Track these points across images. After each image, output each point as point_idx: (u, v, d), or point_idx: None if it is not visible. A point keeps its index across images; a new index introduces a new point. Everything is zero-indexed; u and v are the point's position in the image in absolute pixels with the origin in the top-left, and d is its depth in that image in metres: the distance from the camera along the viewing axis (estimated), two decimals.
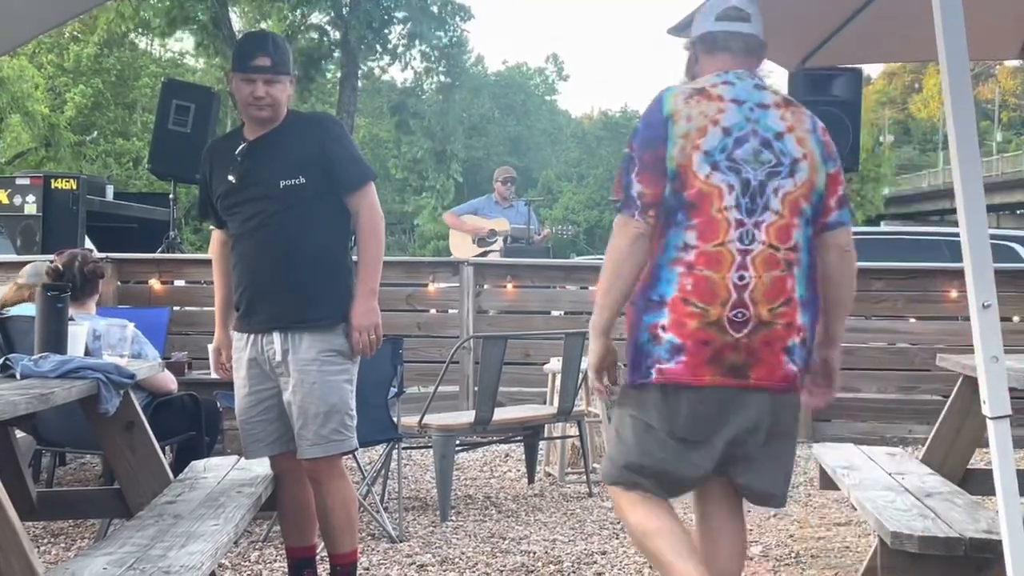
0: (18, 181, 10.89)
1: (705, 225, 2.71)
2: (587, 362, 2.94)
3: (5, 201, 10.64)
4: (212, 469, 3.95)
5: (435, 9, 22.88)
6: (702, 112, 2.75)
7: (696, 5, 3.15)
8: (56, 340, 3.47)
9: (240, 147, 3.54)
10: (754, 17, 2.89)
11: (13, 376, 3.22)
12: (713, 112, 2.76)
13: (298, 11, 22.53)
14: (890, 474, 3.87)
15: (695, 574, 2.72)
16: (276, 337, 3.49)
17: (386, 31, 21.59)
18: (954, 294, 7.50)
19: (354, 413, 3.58)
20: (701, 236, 2.71)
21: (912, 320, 7.85)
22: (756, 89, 2.83)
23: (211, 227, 3.90)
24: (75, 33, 33.92)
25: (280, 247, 3.48)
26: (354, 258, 3.67)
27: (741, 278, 2.69)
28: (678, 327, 2.70)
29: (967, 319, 2.53)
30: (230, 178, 3.53)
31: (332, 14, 21.51)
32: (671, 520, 2.83)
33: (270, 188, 3.48)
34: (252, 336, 3.57)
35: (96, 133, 35.29)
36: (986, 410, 2.44)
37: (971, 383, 4.00)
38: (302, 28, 21.76)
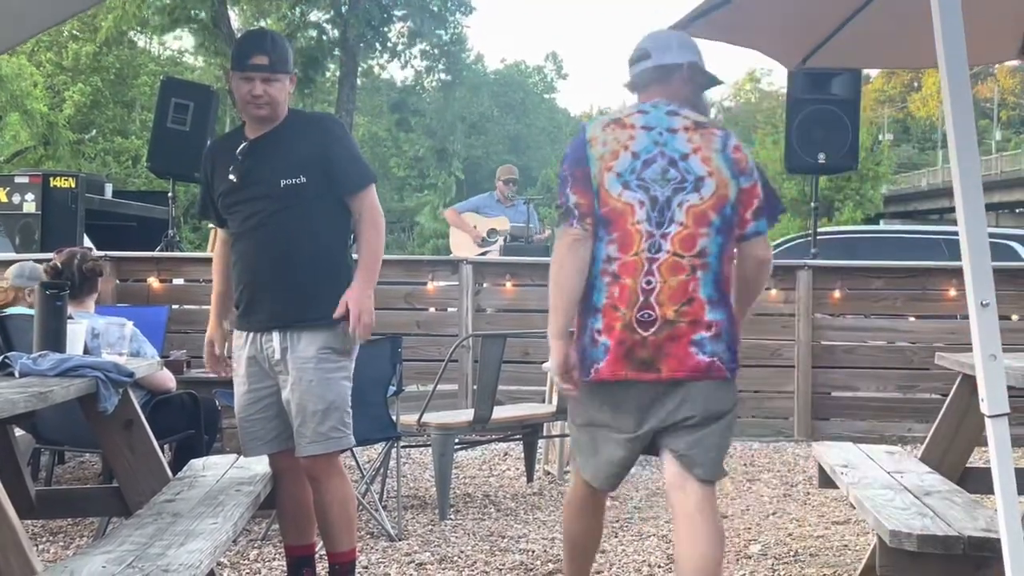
0: (17, 179, 10.88)
1: (622, 238, 3.07)
2: (549, 365, 3.24)
3: (4, 199, 10.63)
4: (211, 467, 3.95)
5: (435, 7, 22.87)
6: (615, 139, 3.13)
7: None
8: (55, 338, 3.47)
9: (241, 146, 3.54)
10: (657, 49, 3.26)
11: (12, 374, 3.22)
12: (625, 139, 3.12)
13: (297, 9, 22.54)
14: (889, 472, 3.87)
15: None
16: (275, 336, 3.50)
17: (385, 29, 21.58)
18: (953, 293, 7.50)
19: (351, 410, 3.59)
20: (620, 248, 3.07)
21: (911, 319, 7.85)
22: (668, 116, 3.17)
23: (210, 226, 3.92)
24: (74, 31, 33.88)
25: (280, 246, 3.49)
26: (354, 256, 3.67)
27: (648, 283, 3.04)
28: (608, 331, 3.06)
29: (966, 318, 2.53)
30: (231, 177, 3.52)
31: (331, 12, 21.51)
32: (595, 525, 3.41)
33: (271, 187, 3.48)
34: (251, 335, 3.58)
35: (95, 131, 35.28)
36: (984, 408, 2.44)
37: (970, 382, 4.01)
38: (301, 26, 21.76)
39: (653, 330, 3.02)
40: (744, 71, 68.07)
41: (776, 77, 64.81)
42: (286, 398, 3.52)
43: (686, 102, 3.20)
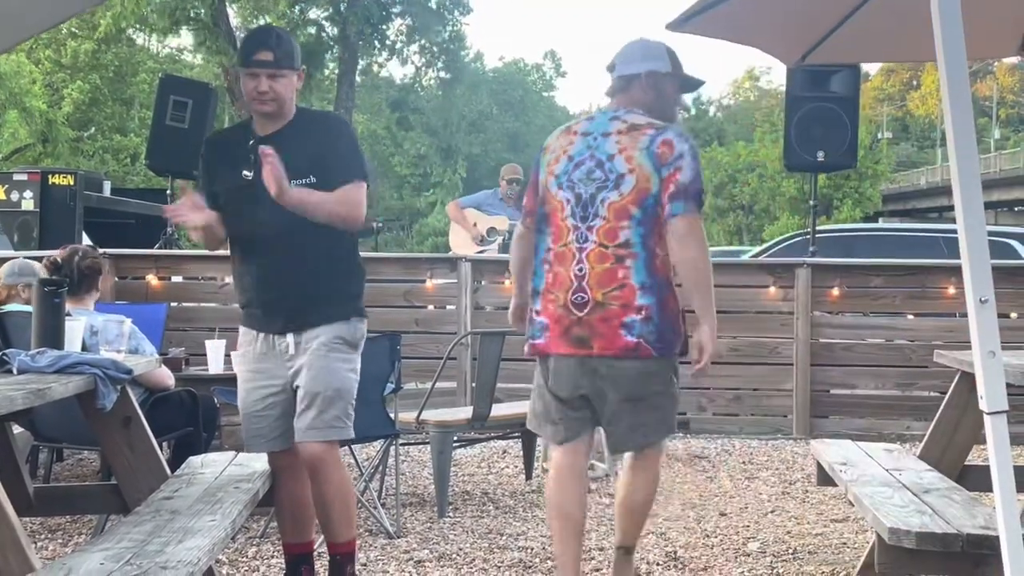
0: (16, 177, 10.87)
1: (555, 231, 3.55)
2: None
3: (2, 197, 10.62)
4: (209, 465, 3.94)
5: (433, 4, 22.86)
6: (560, 145, 3.63)
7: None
8: (53, 336, 3.47)
9: (251, 142, 3.51)
10: (622, 60, 3.66)
11: (10, 371, 3.22)
12: (566, 144, 3.61)
13: (296, 7, 22.52)
14: (887, 470, 3.87)
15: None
16: (290, 337, 3.54)
17: (384, 27, 21.57)
18: (952, 291, 7.50)
19: (355, 403, 3.62)
20: (553, 240, 3.55)
21: (910, 316, 7.86)
22: (610, 121, 3.58)
23: None
24: (73, 29, 33.82)
25: (295, 255, 3.49)
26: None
27: (580, 270, 3.46)
28: (544, 311, 3.54)
29: (965, 316, 2.53)
30: (245, 173, 3.50)
31: (330, 10, 21.50)
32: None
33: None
34: (263, 334, 3.60)
35: (93, 129, 35.25)
36: (983, 405, 2.44)
37: (969, 379, 4.01)
38: (301, 24, 21.75)
39: (586, 311, 3.44)
40: (743, 69, 68.00)
41: (775, 75, 64.87)
42: (295, 384, 3.53)
43: (644, 107, 3.57)
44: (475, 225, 9.24)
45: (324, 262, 3.51)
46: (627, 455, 3.73)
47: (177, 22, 19.65)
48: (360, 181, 3.54)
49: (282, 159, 3.40)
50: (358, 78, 23.70)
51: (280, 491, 3.73)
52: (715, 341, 3.55)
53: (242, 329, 3.67)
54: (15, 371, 3.20)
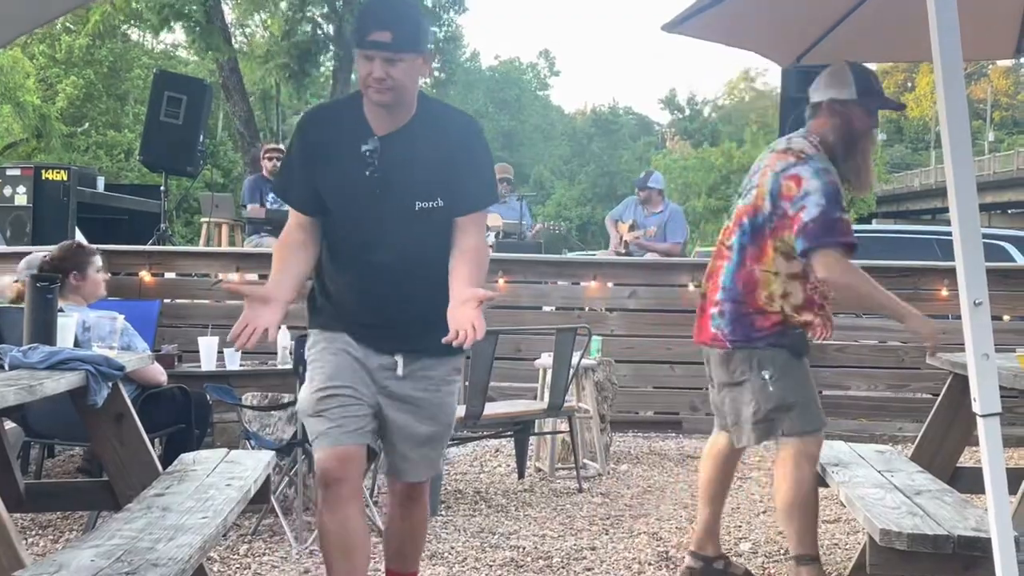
0: (8, 172, 10.83)
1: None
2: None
3: None
4: (201, 462, 3.93)
5: (429, 3, 22.85)
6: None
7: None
8: (45, 331, 3.47)
9: (369, 141, 2.91)
10: (812, 89, 3.87)
11: (2, 367, 3.21)
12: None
13: (286, 3, 22.51)
14: (879, 472, 3.87)
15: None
16: (399, 358, 3.03)
17: None
18: (945, 293, 7.51)
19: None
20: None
21: None
22: (786, 140, 3.83)
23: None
24: (67, 24, 33.76)
25: (418, 277, 2.97)
26: None
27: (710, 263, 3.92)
28: None
29: (958, 318, 2.53)
30: (368, 173, 2.89)
31: (326, 7, 21.47)
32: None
33: (404, 210, 2.91)
34: (356, 341, 3.03)
35: (87, 124, 35.16)
36: (976, 407, 2.44)
37: (961, 381, 4.02)
38: (300, 21, 21.68)
39: (700, 304, 3.89)
40: (739, 70, 68.08)
41: (771, 77, 64.97)
42: (392, 417, 3.05)
43: (830, 133, 3.72)
44: None
45: (440, 290, 2.90)
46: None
47: (166, 19, 19.58)
48: (487, 207, 3.05)
49: (404, 171, 2.89)
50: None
51: (328, 514, 2.99)
52: (927, 324, 3.73)
53: (322, 333, 3.07)
54: (7, 366, 3.20)
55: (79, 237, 10.14)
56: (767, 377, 3.67)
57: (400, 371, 3.00)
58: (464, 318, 2.75)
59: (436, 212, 2.91)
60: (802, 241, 3.57)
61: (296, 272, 2.98)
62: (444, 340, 2.74)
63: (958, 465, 4.26)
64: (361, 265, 2.98)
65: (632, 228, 9.10)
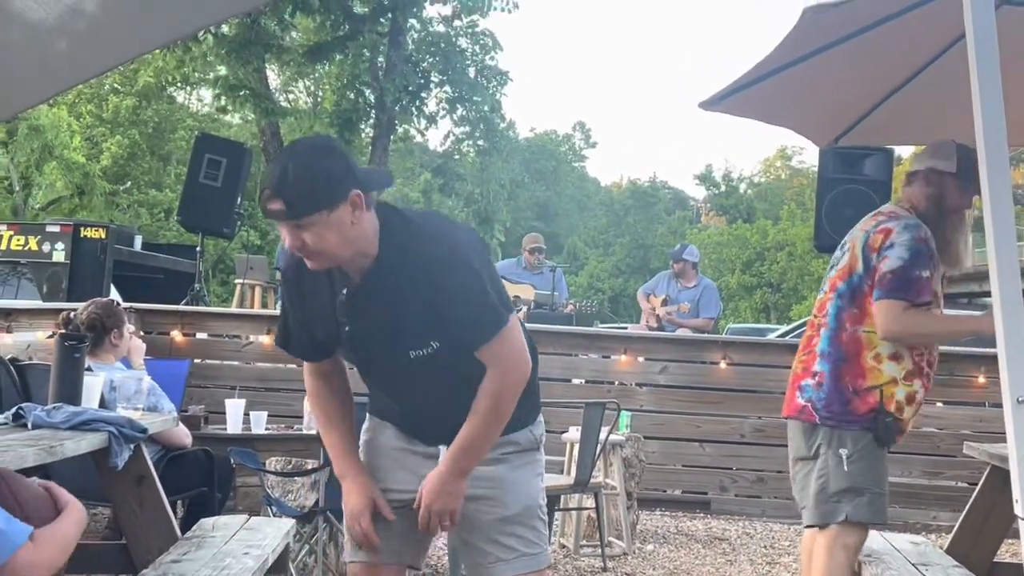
0: (48, 228, 10.99)
1: None
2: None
3: (34, 248, 10.74)
4: (221, 528, 3.88)
5: (471, 72, 23.12)
6: None
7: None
8: (71, 390, 3.45)
9: (345, 292, 2.57)
10: (915, 158, 3.82)
11: (25, 425, 3.20)
12: None
13: (329, 66, 22.86)
14: (914, 565, 3.76)
15: None
16: (442, 448, 2.66)
17: (423, 94, 21.82)
18: (982, 380, 7.37)
19: (546, 516, 2.79)
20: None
21: (939, 404, 7.72)
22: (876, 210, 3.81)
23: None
24: (115, 85, 34.52)
25: (445, 405, 2.62)
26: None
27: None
28: None
29: (995, 406, 2.47)
30: (346, 328, 2.59)
31: (368, 77, 21.78)
32: None
33: (401, 360, 2.57)
34: (401, 432, 2.76)
35: (130, 183, 35.73)
36: (1018, 509, 2.35)
37: (1000, 473, 3.91)
38: (346, 86, 21.97)
39: (791, 377, 3.75)
40: (775, 148, 68.23)
41: (807, 155, 64.91)
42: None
43: (922, 201, 3.66)
44: None
45: (475, 382, 2.56)
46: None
47: (230, 89, 20.00)
48: (502, 328, 2.54)
49: (383, 326, 2.56)
50: (393, 143, 23.93)
51: None
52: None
53: (371, 418, 2.83)
54: (30, 425, 3.18)
55: (114, 295, 10.23)
56: (844, 456, 3.50)
57: (443, 451, 2.63)
58: (434, 499, 2.56)
59: (437, 355, 2.54)
60: (877, 291, 3.48)
61: (350, 446, 2.73)
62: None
63: (996, 559, 4.13)
64: (387, 399, 2.73)
65: (665, 302, 9.05)
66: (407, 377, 2.60)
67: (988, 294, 2.54)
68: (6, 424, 3.30)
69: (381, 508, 2.65)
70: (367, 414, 2.82)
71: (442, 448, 2.63)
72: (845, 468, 3.49)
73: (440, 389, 2.60)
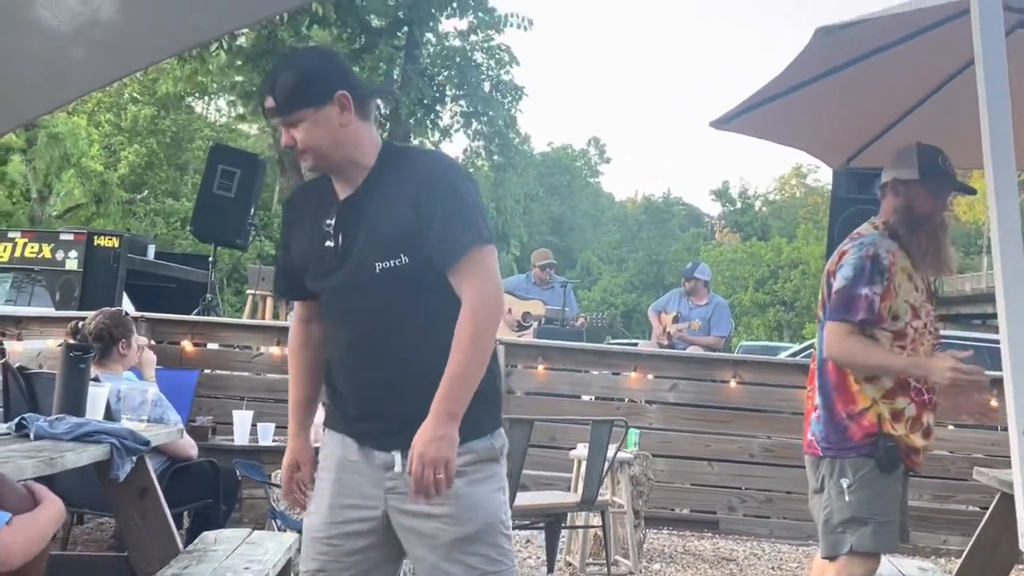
0: (62, 236, 11.05)
1: None
2: None
3: (48, 256, 10.79)
4: (223, 541, 3.87)
5: (487, 86, 23.17)
6: None
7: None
8: (75, 401, 3.45)
9: (332, 211, 2.58)
10: (883, 170, 3.71)
11: (27, 436, 3.19)
12: None
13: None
14: None
15: None
16: (396, 456, 2.52)
17: (438, 108, 21.86)
18: (993, 403, 7.29)
19: (511, 532, 2.65)
20: None
21: (950, 427, 7.65)
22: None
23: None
24: (135, 95, 34.75)
25: (389, 363, 2.52)
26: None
27: None
28: None
29: (1007, 429, 2.43)
30: (327, 244, 2.56)
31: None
32: None
33: (364, 274, 2.51)
34: (356, 441, 2.61)
35: (147, 192, 35.95)
36: None
37: (1010, 499, 3.86)
38: None
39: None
40: (791, 166, 68.08)
41: (822, 174, 64.89)
42: (409, 526, 2.54)
43: (895, 214, 3.59)
44: (510, 311, 9.19)
45: (428, 369, 2.46)
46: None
47: (238, 97, 20.07)
48: (472, 247, 2.47)
49: (360, 233, 2.53)
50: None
51: None
52: (940, 364, 3.60)
53: (325, 431, 2.71)
54: (32, 436, 3.18)
55: (126, 304, 10.26)
56: (845, 486, 3.47)
57: (398, 468, 2.50)
58: (427, 446, 2.40)
59: (401, 272, 2.47)
60: (828, 312, 3.52)
61: (305, 397, 2.77)
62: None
63: None
64: (339, 346, 2.62)
65: (676, 320, 9.02)
66: (365, 294, 2.51)
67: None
68: (8, 434, 3.30)
69: (305, 467, 2.72)
70: (324, 428, 2.72)
71: (395, 454, 2.50)
72: (846, 498, 3.46)
73: (393, 318, 2.50)
